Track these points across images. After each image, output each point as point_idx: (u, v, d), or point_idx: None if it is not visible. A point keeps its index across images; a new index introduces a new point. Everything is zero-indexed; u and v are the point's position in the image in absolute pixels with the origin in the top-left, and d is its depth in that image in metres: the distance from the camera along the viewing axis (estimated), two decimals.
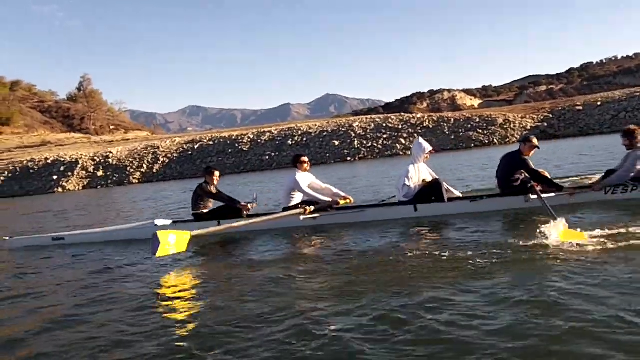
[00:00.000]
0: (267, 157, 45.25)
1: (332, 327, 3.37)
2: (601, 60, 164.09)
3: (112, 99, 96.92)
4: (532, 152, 7.39)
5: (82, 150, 52.46)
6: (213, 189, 8.25)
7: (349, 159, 42.43)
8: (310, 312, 3.72)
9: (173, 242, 5.95)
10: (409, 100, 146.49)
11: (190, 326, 3.72)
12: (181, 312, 4.10)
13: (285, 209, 7.81)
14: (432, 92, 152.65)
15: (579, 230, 5.08)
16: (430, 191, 7.56)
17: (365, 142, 43.81)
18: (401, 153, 41.95)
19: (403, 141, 42.93)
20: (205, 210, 8.27)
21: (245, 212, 8.08)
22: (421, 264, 4.78)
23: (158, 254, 5.77)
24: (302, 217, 7.46)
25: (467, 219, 6.88)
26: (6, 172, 48.51)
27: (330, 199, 7.88)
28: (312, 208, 7.62)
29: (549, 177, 7.37)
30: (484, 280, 4.05)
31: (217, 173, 8.40)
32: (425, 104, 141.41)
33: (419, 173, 7.74)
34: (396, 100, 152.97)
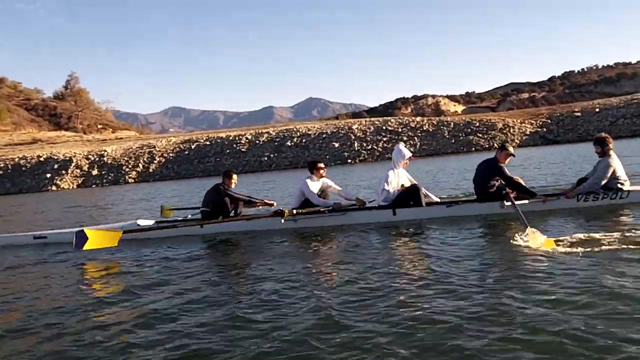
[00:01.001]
0: (266, 158, 44.96)
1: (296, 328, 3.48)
2: (582, 69, 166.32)
3: (98, 98, 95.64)
4: (508, 159, 7.66)
5: (75, 149, 51.49)
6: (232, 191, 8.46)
7: (349, 161, 42.36)
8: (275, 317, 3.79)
9: (101, 237, 6.75)
10: (393, 105, 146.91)
11: (162, 328, 3.76)
12: (154, 313, 4.12)
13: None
14: (416, 98, 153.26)
15: (546, 236, 5.29)
16: (409, 196, 7.83)
17: (365, 145, 43.79)
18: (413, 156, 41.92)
19: (403, 144, 42.97)
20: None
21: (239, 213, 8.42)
22: (397, 266, 4.96)
23: (85, 247, 6.54)
24: (282, 219, 7.60)
25: (444, 223, 7.14)
26: None
27: (338, 201, 8.12)
28: (294, 211, 7.81)
29: (524, 184, 7.62)
30: (457, 284, 4.18)
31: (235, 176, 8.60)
32: (409, 109, 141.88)
33: (398, 178, 7.99)
34: (380, 105, 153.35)
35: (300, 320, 3.64)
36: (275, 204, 8.66)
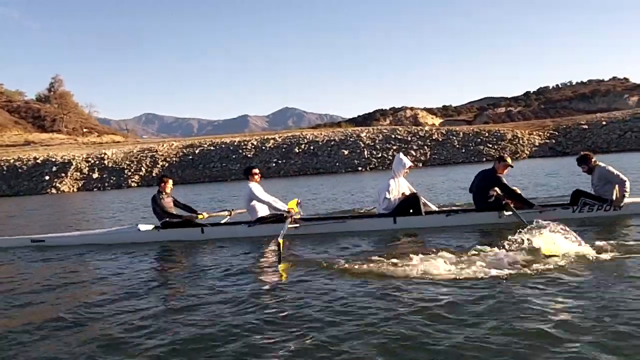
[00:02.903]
0: (274, 165, 44.31)
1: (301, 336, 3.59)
2: (557, 85, 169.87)
3: (81, 101, 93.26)
4: (506, 170, 7.89)
5: (71, 151, 50.01)
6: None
7: (359, 169, 42.02)
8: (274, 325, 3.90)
9: None
10: (371, 116, 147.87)
11: (155, 333, 3.86)
12: (149, 319, 4.20)
13: (259, 220, 8.25)
14: (395, 110, 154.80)
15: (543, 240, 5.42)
16: (409, 204, 8.03)
17: (375, 153, 43.52)
18: (412, 165, 41.85)
19: (414, 152, 42.87)
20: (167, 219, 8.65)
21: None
22: (399, 274, 5.06)
23: None
24: (287, 226, 7.57)
25: (443, 232, 7.31)
26: None
27: (281, 209, 8.22)
28: (297, 216, 8.02)
29: (521, 194, 7.79)
30: (460, 290, 4.30)
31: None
32: (388, 121, 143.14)
33: (399, 187, 8.19)
34: (359, 116, 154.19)
35: (291, 322, 3.85)
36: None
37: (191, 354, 3.45)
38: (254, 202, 8.30)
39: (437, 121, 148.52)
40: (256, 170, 8.64)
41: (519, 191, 7.77)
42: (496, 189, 7.74)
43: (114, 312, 4.47)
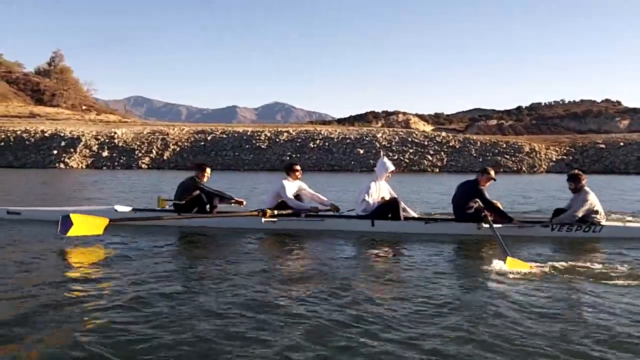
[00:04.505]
0: (288, 158, 43.82)
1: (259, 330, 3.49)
2: (549, 102, 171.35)
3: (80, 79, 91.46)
4: (489, 183, 7.89)
5: (79, 128, 48.99)
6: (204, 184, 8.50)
7: (375, 169, 41.73)
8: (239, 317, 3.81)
9: (86, 224, 6.55)
10: (363, 117, 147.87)
11: (118, 316, 3.73)
12: (108, 299, 4.11)
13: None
14: (388, 113, 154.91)
15: (529, 264, 5.47)
16: (388, 209, 7.99)
17: (391, 154, 43.21)
18: (429, 170, 41.74)
19: (430, 157, 42.75)
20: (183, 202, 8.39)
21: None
22: (369, 276, 5.06)
23: (69, 234, 6.36)
24: (263, 219, 7.63)
25: (421, 239, 7.33)
26: None
27: (315, 205, 8.27)
28: (275, 212, 7.87)
29: (502, 208, 7.83)
30: (429, 300, 4.26)
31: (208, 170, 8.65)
32: (380, 124, 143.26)
33: (380, 190, 8.17)
34: (350, 116, 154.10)
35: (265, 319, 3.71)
36: (245, 203, 8.72)
37: (159, 332, 3.46)
38: (280, 200, 8.20)
39: (429, 128, 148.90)
40: (297, 167, 8.46)
41: (499, 205, 7.80)
42: (477, 200, 7.74)
43: (78, 292, 4.41)
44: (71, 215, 6.52)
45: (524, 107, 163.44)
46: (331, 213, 8.37)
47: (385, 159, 8.59)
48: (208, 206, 8.32)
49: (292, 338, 3.38)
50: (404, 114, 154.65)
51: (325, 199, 8.54)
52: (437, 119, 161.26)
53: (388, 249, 6.74)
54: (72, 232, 6.43)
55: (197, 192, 8.30)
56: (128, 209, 8.48)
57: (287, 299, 4.28)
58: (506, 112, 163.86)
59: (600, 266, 5.58)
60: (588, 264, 5.64)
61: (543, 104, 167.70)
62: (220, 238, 7.53)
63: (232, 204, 8.81)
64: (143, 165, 43.04)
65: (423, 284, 4.78)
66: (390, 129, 49.95)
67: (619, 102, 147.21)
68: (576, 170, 8.19)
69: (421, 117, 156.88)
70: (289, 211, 8.05)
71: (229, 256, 6.11)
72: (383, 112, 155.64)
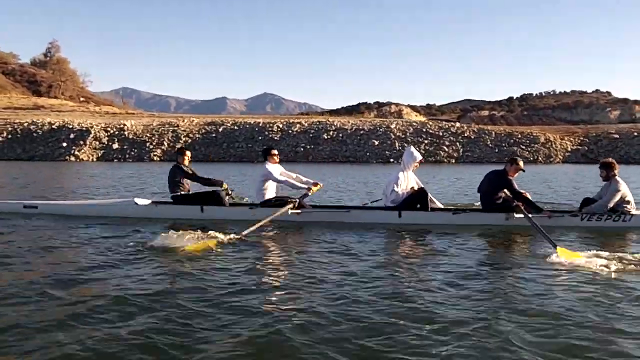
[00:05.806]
0: (302, 149, 43.38)
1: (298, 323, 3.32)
2: (540, 93, 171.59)
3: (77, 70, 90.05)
4: (517, 174, 7.74)
5: (86, 119, 48.12)
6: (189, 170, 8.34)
7: (391, 160, 41.40)
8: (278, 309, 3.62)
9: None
10: (355, 108, 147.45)
11: (139, 314, 3.50)
12: (135, 298, 3.84)
13: (263, 204, 8.00)
14: (380, 104, 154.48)
15: (578, 252, 5.30)
16: (416, 199, 7.84)
17: (406, 145, 42.98)
18: (445, 160, 41.52)
19: (446, 149, 42.51)
20: (183, 192, 8.25)
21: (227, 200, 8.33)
22: (401, 269, 4.89)
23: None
24: (290, 211, 7.49)
25: (449, 230, 7.17)
26: (5, 133, 43.62)
27: (304, 185, 8.15)
28: (297, 202, 7.75)
29: (530, 198, 7.72)
30: (454, 291, 4.10)
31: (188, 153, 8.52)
32: (372, 114, 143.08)
33: (408, 181, 7.99)
34: (342, 108, 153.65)
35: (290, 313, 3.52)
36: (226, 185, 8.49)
37: (171, 330, 3.22)
38: (267, 184, 8.09)
39: (421, 119, 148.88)
40: (275, 152, 8.38)
41: (528, 195, 7.67)
42: (505, 190, 7.60)
43: (92, 286, 4.22)
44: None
45: (514, 97, 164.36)
46: (357, 205, 8.20)
47: (412, 148, 8.36)
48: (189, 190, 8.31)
49: (337, 333, 3.19)
50: (397, 104, 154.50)
51: (305, 179, 8.39)
52: (429, 110, 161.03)
53: (417, 241, 6.63)
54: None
55: (185, 174, 8.22)
56: (147, 201, 8.39)
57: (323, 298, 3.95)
58: (497, 102, 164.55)
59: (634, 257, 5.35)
60: (619, 254, 5.43)
61: (534, 95, 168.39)
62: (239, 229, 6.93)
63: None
64: (155, 158, 42.36)
65: (473, 278, 4.54)
66: (404, 121, 49.63)
67: (609, 93, 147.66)
68: (610, 159, 8.04)
69: (413, 107, 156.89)
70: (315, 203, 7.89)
71: (254, 247, 5.92)
72: (375, 103, 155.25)
